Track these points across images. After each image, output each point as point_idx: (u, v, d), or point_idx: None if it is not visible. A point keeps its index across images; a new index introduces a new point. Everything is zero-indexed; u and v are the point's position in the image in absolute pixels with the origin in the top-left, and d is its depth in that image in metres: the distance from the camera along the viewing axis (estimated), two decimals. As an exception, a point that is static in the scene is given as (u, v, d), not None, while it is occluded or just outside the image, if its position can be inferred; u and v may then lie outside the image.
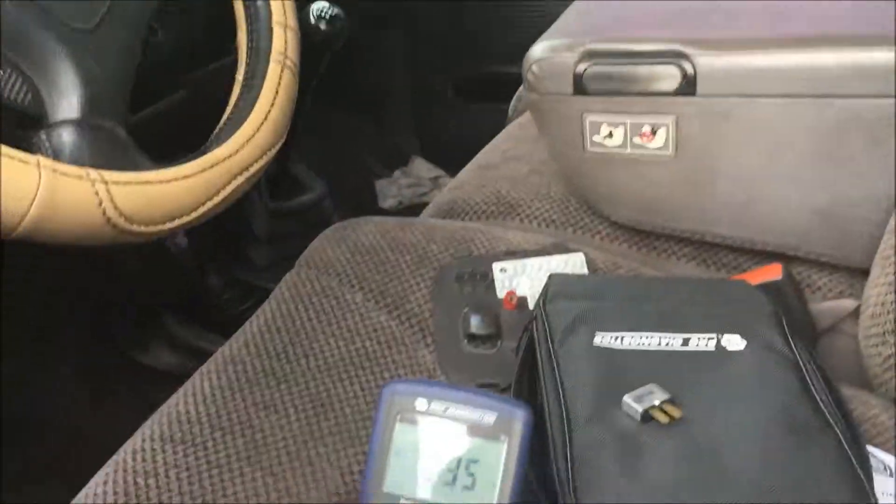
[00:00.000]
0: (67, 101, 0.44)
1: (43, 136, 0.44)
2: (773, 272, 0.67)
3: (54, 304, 1.07)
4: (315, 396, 0.62)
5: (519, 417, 0.43)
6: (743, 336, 0.57)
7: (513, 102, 1.12)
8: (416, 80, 1.67)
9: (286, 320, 0.68)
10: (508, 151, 0.91)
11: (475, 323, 0.67)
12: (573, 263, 0.71)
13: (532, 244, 0.74)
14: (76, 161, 0.43)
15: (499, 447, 0.43)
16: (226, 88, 0.64)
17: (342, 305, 0.69)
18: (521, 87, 1.11)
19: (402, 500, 0.42)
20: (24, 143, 0.43)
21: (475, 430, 0.43)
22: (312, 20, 0.82)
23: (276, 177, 1.08)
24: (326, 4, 0.83)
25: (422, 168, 1.73)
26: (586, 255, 0.72)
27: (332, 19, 0.83)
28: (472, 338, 0.67)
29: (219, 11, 0.69)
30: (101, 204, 0.43)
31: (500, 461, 0.42)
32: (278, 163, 1.08)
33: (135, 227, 0.45)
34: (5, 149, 0.40)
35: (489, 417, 0.43)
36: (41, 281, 1.08)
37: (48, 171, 0.41)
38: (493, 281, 0.71)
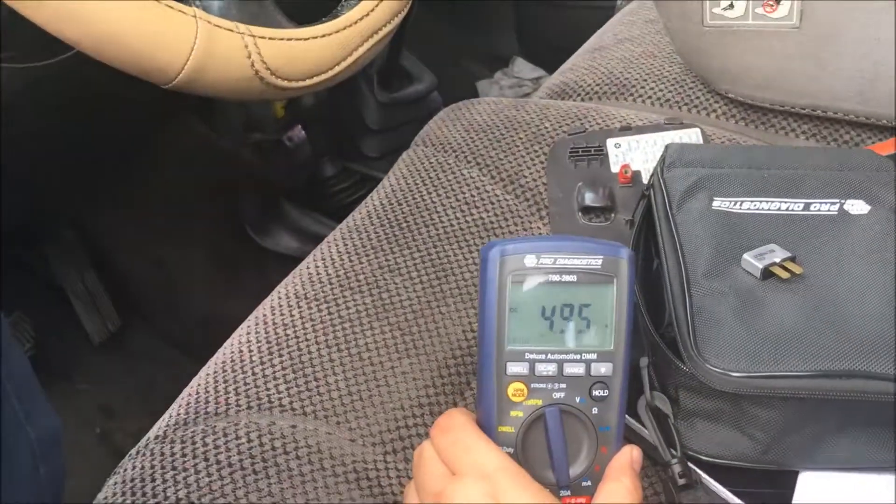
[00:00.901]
0: (214, -38, 0.47)
1: (194, -2, 0.47)
2: (900, 143, 0.66)
3: (188, 197, 1.14)
4: (436, 262, 0.65)
5: (623, 256, 0.44)
6: (867, 201, 0.56)
7: (624, -11, 1.10)
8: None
9: (405, 193, 0.71)
10: (620, 34, 0.90)
11: (589, 196, 0.69)
12: (689, 138, 0.71)
13: (646, 121, 0.74)
14: (225, 17, 0.46)
15: (608, 288, 0.44)
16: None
17: (459, 180, 0.72)
18: (631, -26, 1.09)
19: (527, 355, 0.44)
20: (179, 1, 0.45)
21: (584, 276, 0.44)
22: None
23: (386, 70, 1.10)
24: None
25: (523, 68, 1.72)
26: (702, 130, 0.71)
27: None
28: (587, 210, 0.69)
29: None
30: (249, 56, 0.46)
31: (611, 301, 0.44)
32: (388, 56, 1.10)
33: (279, 82, 0.48)
34: (167, 0, 0.43)
35: (596, 262, 0.44)
36: (174, 174, 1.14)
37: (204, 22, 0.44)
38: (606, 156, 0.71)
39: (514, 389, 0.44)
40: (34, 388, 0.56)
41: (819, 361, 0.45)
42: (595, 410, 0.44)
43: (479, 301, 0.45)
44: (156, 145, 1.16)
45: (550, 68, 1.67)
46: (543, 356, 0.44)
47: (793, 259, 0.52)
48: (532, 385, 0.44)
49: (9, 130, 0.77)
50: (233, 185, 1.16)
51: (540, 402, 0.44)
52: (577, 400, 0.44)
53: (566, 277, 0.44)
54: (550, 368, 0.44)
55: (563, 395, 0.44)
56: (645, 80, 0.82)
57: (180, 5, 0.44)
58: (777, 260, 0.52)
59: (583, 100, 0.83)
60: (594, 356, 0.44)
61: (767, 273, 0.51)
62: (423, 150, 0.76)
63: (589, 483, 0.44)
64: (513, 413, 0.44)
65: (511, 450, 0.44)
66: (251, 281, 1.11)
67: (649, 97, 0.81)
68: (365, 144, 1.10)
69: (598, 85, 0.84)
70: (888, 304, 0.48)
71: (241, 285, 1.11)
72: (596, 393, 0.44)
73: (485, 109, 0.78)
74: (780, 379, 0.45)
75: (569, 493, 0.44)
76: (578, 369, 0.44)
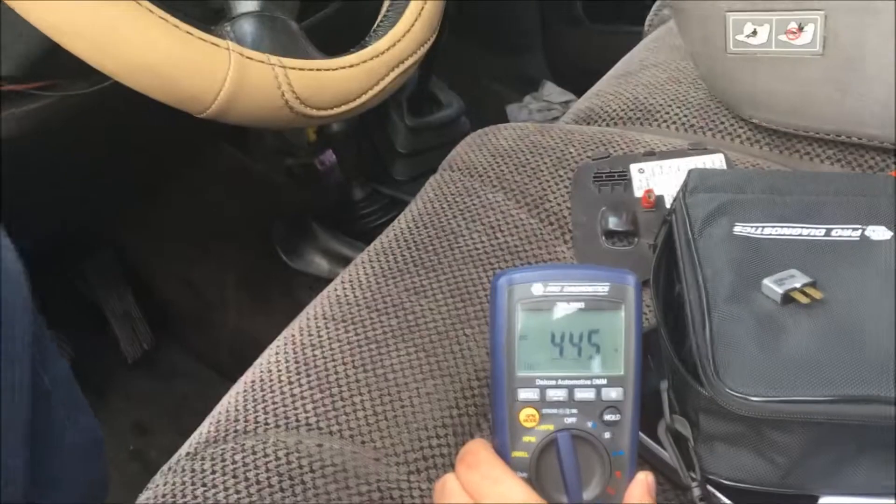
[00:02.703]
0: (248, -3, 0.49)
1: (227, 27, 0.49)
2: (924, 169, 0.66)
3: (220, 219, 1.17)
4: (461, 284, 0.66)
5: (630, 283, 0.44)
6: (889, 227, 0.57)
7: (649, 16, 1.11)
8: (546, 5, 1.66)
9: (432, 217, 0.73)
10: (646, 60, 0.91)
11: (613, 220, 0.70)
12: (712, 163, 0.72)
13: (670, 146, 0.75)
14: (257, 48, 0.48)
15: (616, 314, 0.44)
16: (371, 4, 0.68)
17: (484, 204, 0.73)
18: (658, 1, 1.10)
19: (537, 381, 0.45)
20: (212, 34, 0.48)
21: (592, 302, 0.45)
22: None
23: (415, 95, 1.12)
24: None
25: (552, 92, 1.73)
26: (726, 155, 0.72)
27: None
28: (610, 234, 0.70)
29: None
30: (280, 87, 0.48)
31: (619, 326, 0.45)
32: (418, 82, 1.12)
33: (308, 111, 0.49)
34: (200, 33, 0.45)
35: (603, 288, 0.45)
36: (208, 197, 1.17)
37: (237, 54, 0.46)
38: (630, 181, 0.72)
39: (526, 415, 0.45)
40: (77, 394, 0.58)
41: (837, 387, 0.46)
42: (607, 435, 0.44)
43: (490, 329, 0.46)
44: (191, 169, 1.19)
45: (579, 92, 1.69)
46: (554, 382, 0.45)
47: (813, 284, 0.52)
48: (543, 410, 0.45)
49: (51, 156, 0.80)
50: (264, 208, 1.18)
51: (552, 427, 0.45)
52: (589, 425, 0.45)
53: (574, 304, 0.45)
54: (561, 394, 0.45)
55: (574, 420, 0.44)
56: (669, 106, 0.83)
57: (214, 38, 0.46)
58: (797, 285, 0.52)
59: (608, 125, 0.84)
60: (604, 381, 0.44)
61: (788, 298, 0.52)
62: (450, 175, 0.77)
63: None
64: (525, 438, 0.45)
65: (525, 474, 0.44)
66: (281, 301, 1.13)
67: (674, 122, 0.81)
68: (394, 168, 1.12)
69: (623, 110, 0.85)
70: (907, 332, 0.48)
71: (270, 306, 1.14)
72: (607, 417, 0.45)
73: (510, 135, 0.80)
74: (799, 404, 0.46)
75: None
76: (589, 394, 0.45)
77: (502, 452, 0.44)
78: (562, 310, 0.45)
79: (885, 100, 0.69)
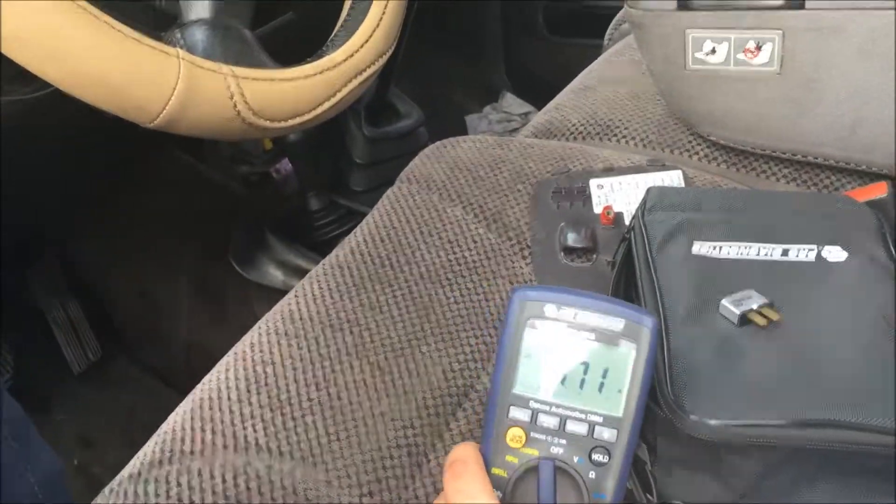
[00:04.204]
0: (200, 3, 0.48)
1: (178, 34, 0.47)
2: (878, 190, 0.66)
3: (173, 226, 1.14)
4: (418, 300, 0.65)
5: (647, 324, 0.43)
6: (844, 248, 0.57)
7: (609, 30, 1.11)
8: (508, 16, 1.66)
9: (389, 231, 0.71)
10: (605, 75, 0.91)
11: (572, 236, 0.69)
12: (670, 180, 0.71)
13: (629, 162, 0.75)
14: (209, 56, 0.46)
15: (627, 353, 0.43)
16: (332, 10, 0.67)
17: (442, 218, 0.72)
18: (618, 15, 1.10)
19: (531, 402, 0.44)
20: (161, 40, 0.46)
21: (603, 335, 0.43)
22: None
23: (373, 104, 1.10)
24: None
25: (512, 104, 1.73)
26: (684, 172, 0.72)
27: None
28: (569, 251, 0.69)
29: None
30: (232, 97, 0.46)
31: (627, 367, 0.43)
32: (376, 92, 1.11)
33: (261, 122, 0.48)
34: (149, 41, 0.43)
35: (617, 324, 0.43)
36: (161, 205, 1.15)
37: (187, 63, 0.44)
38: (589, 196, 0.72)
39: (513, 435, 0.43)
40: (30, 430, 0.55)
41: (794, 411, 0.45)
42: (592, 475, 0.43)
43: (499, 341, 0.45)
44: (143, 174, 1.16)
45: (539, 104, 1.69)
46: (548, 407, 0.43)
47: (770, 305, 0.52)
48: (531, 434, 0.43)
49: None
50: (219, 217, 1.16)
51: (536, 453, 0.43)
52: (576, 459, 0.43)
53: (584, 334, 0.43)
54: (552, 421, 0.43)
55: (561, 450, 0.43)
56: (629, 121, 0.83)
57: (163, 45, 0.44)
58: (755, 306, 0.52)
59: (567, 139, 0.84)
60: (600, 419, 0.43)
61: (745, 320, 0.52)
62: (408, 188, 0.76)
63: None
64: (508, 458, 0.43)
65: (500, 494, 0.43)
66: (235, 312, 1.10)
67: (632, 138, 0.81)
68: (352, 178, 1.10)
69: (582, 125, 0.84)
70: (863, 355, 0.48)
71: (224, 316, 1.11)
72: (596, 457, 0.43)
73: (469, 147, 0.79)
74: (757, 428, 0.45)
75: None
76: (581, 428, 0.43)
77: (486, 463, 0.43)
78: (571, 336, 0.43)
79: (840, 121, 0.70)
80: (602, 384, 0.43)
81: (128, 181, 1.17)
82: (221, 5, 0.48)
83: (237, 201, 1.17)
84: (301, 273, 1.05)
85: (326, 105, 0.51)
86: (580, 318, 0.44)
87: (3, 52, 0.41)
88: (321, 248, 1.07)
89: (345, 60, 0.52)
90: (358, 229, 0.74)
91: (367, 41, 0.53)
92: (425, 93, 1.57)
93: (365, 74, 0.53)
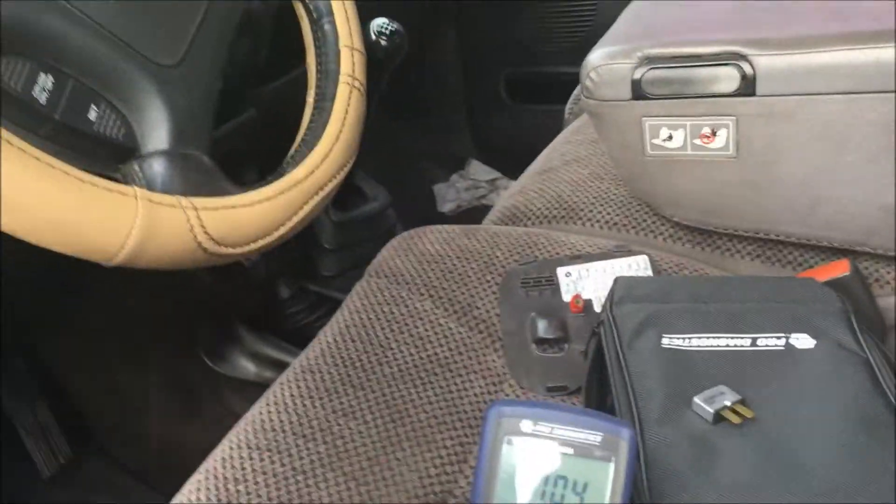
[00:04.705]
0: (157, 134, 0.48)
1: (136, 167, 0.47)
2: (840, 268, 0.67)
3: (141, 321, 1.13)
4: (391, 403, 0.64)
5: (624, 437, 0.43)
6: (812, 335, 0.57)
7: (569, 104, 1.13)
8: (470, 84, 1.69)
9: (359, 329, 0.71)
10: (567, 155, 0.92)
11: (542, 327, 0.69)
12: (637, 265, 0.72)
13: (595, 248, 0.75)
14: (168, 189, 0.46)
15: (606, 467, 0.43)
16: (292, 105, 0.67)
17: (412, 313, 0.72)
18: (576, 89, 1.12)
19: None
20: (119, 173, 0.46)
21: (581, 450, 0.43)
22: (373, 37, 0.85)
23: (340, 189, 1.11)
24: (385, 20, 0.86)
25: (479, 171, 1.75)
26: (650, 256, 0.73)
27: (392, 35, 0.86)
28: (540, 342, 0.69)
29: (285, 31, 0.72)
30: (192, 230, 0.46)
31: (607, 482, 0.43)
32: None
33: (223, 250, 0.48)
34: (106, 182, 0.43)
35: (595, 438, 0.43)
36: (129, 300, 1.13)
37: (145, 201, 0.44)
38: (558, 285, 0.72)
39: None
40: None
41: (773, 514, 0.45)
42: None
43: (477, 455, 0.45)
44: (109, 270, 1.14)
45: (505, 169, 1.71)
46: None
47: (743, 402, 0.52)
48: None
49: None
50: (187, 309, 1.15)
51: None
52: None
53: (563, 449, 0.43)
54: None
55: None
56: (593, 204, 0.84)
57: (120, 186, 0.44)
58: (728, 403, 0.52)
59: (533, 224, 0.85)
60: None
61: (719, 417, 0.52)
62: (377, 283, 0.76)
63: None
64: None
65: None
66: (208, 406, 1.08)
67: (598, 221, 0.82)
68: (321, 264, 1.10)
69: (547, 209, 0.85)
70: (837, 452, 0.49)
71: (197, 411, 1.09)
72: None
73: (436, 238, 0.79)
74: (737, 536, 0.45)
75: None
76: None
77: None
78: (548, 451, 0.43)
79: (799, 200, 0.71)
80: (582, 499, 0.43)
81: (94, 275, 1.16)
82: (178, 135, 0.48)
83: (205, 291, 1.16)
84: (274, 364, 1.04)
85: (288, 225, 0.51)
86: (557, 432, 0.44)
87: None
88: (293, 338, 1.06)
89: (306, 178, 0.52)
90: (328, 328, 0.73)
91: (326, 156, 0.54)
92: (392, 165, 1.58)
93: (326, 190, 0.53)
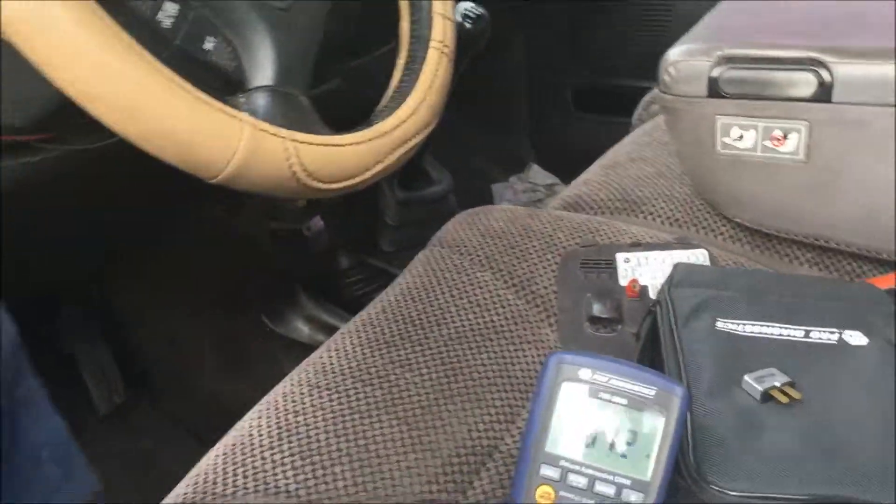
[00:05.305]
0: (264, 70, 0.51)
1: (242, 99, 0.51)
2: (897, 279, 0.68)
3: (204, 277, 1.17)
4: (446, 360, 0.67)
5: (677, 394, 0.45)
6: (865, 332, 0.59)
7: (639, 109, 1.15)
8: (537, 89, 1.71)
9: (420, 291, 0.74)
10: (633, 153, 0.94)
11: (597, 307, 0.71)
12: (696, 258, 0.74)
13: (655, 239, 0.77)
14: (269, 121, 0.50)
15: (656, 421, 0.45)
16: (374, 84, 0.70)
17: (472, 282, 0.74)
18: (647, 96, 1.14)
19: (562, 461, 0.46)
20: (227, 102, 0.49)
21: (635, 402, 0.46)
22: (458, 18, 0.88)
23: (408, 169, 1.14)
24: (472, 5, 0.89)
25: (538, 175, 1.77)
26: (709, 252, 0.74)
27: (478, 19, 0.89)
28: (594, 321, 0.71)
29: (372, 12, 0.75)
30: (289, 160, 0.49)
31: (656, 434, 0.45)
32: (412, 158, 1.15)
33: (314, 184, 0.51)
34: (219, 104, 0.47)
35: (649, 391, 0.46)
36: (194, 257, 1.18)
37: (251, 126, 0.47)
38: (616, 269, 0.74)
39: (543, 492, 0.45)
40: (72, 450, 0.58)
41: (814, 486, 0.47)
42: None
43: (532, 400, 0.47)
44: (179, 227, 1.19)
45: (564, 176, 1.73)
46: (578, 467, 0.45)
47: (792, 384, 0.54)
48: (560, 492, 0.45)
49: (41, 210, 0.80)
50: (249, 271, 1.19)
51: None
52: None
53: (616, 399, 0.46)
54: (582, 481, 0.45)
55: None
56: (655, 199, 0.86)
57: (230, 109, 0.47)
58: (777, 384, 0.54)
59: (595, 213, 0.87)
60: (628, 482, 0.45)
61: (767, 396, 0.53)
62: (440, 251, 0.79)
63: None
64: None
65: None
66: (260, 365, 1.12)
67: (659, 216, 0.84)
68: (382, 239, 1.13)
69: (610, 200, 0.87)
70: (883, 435, 0.50)
71: (249, 369, 1.13)
72: None
73: (501, 216, 0.82)
74: (775, 501, 0.47)
75: None
76: (609, 490, 0.45)
77: None
78: (603, 400, 0.46)
79: (862, 210, 0.72)
80: (631, 448, 0.46)
81: (164, 231, 1.21)
82: (282, 74, 0.52)
83: (268, 256, 1.20)
84: (328, 329, 1.07)
85: (375, 170, 0.54)
86: (613, 383, 0.46)
87: (89, 110, 0.44)
88: (350, 306, 1.09)
89: (392, 130, 0.55)
90: (390, 288, 0.76)
91: (413, 114, 0.57)
92: (454, 160, 1.61)
93: (409, 144, 0.56)
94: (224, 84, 0.51)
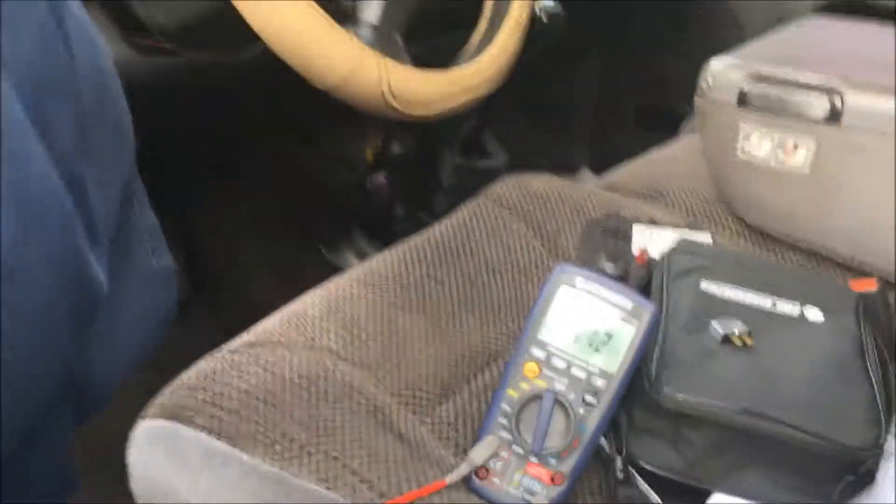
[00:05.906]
0: (372, 10, 0.65)
1: (352, 29, 0.64)
2: (868, 284, 0.79)
3: (275, 210, 1.32)
4: (474, 282, 0.80)
5: (648, 309, 0.58)
6: (822, 311, 0.70)
7: (684, 129, 1.27)
8: (601, 101, 1.82)
9: (461, 229, 0.87)
10: (670, 155, 1.06)
11: (609, 265, 0.83)
12: (700, 240, 0.85)
13: (670, 220, 0.89)
14: (369, 45, 0.63)
15: (629, 327, 0.58)
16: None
17: (506, 228, 0.87)
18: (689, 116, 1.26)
19: (549, 346, 0.59)
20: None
21: (616, 309, 0.58)
22: (536, 11, 1.01)
23: (468, 139, 1.28)
24: (553, 2, 1.01)
25: (588, 180, 1.88)
26: (713, 237, 0.86)
27: (554, 15, 1.01)
28: (604, 275, 0.83)
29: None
30: (380, 80, 0.63)
31: (627, 337, 0.58)
32: (473, 129, 1.28)
33: (396, 105, 0.65)
34: (339, 27, 0.60)
35: (627, 304, 0.58)
36: (271, 192, 1.33)
37: (357, 47, 0.61)
38: (630, 238, 0.86)
39: (530, 367, 0.58)
40: (159, 231, 0.66)
41: (746, 401, 0.59)
42: (581, 411, 0.58)
43: (536, 299, 0.60)
44: (257, 158, 1.34)
45: (613, 186, 1.84)
46: (560, 353, 0.58)
47: (749, 334, 0.66)
48: (544, 370, 0.58)
49: (160, 113, 0.95)
50: (312, 207, 1.33)
51: (544, 385, 0.58)
52: (571, 396, 0.58)
53: (601, 305, 0.59)
54: (561, 364, 0.58)
55: (563, 387, 0.58)
56: (679, 194, 0.97)
57: (344, 30, 0.61)
58: (736, 331, 0.65)
59: (625, 196, 0.99)
60: (597, 371, 0.58)
61: (726, 339, 0.65)
62: (484, 202, 0.92)
63: (553, 461, 0.58)
64: (522, 384, 0.58)
65: (510, 409, 0.58)
66: (311, 287, 1.26)
67: (679, 206, 0.96)
68: (435, 200, 1.27)
69: (639, 188, 0.99)
70: (810, 384, 0.61)
71: (302, 289, 1.27)
72: (587, 398, 0.58)
73: (543, 182, 0.94)
74: (712, 407, 0.59)
75: (535, 460, 0.58)
76: (581, 374, 0.58)
77: (502, 384, 0.58)
78: (591, 304, 0.59)
79: (855, 223, 0.83)
80: (606, 346, 0.58)
81: (244, 164, 1.36)
82: (387, 15, 0.65)
83: (332, 197, 1.34)
84: (375, 264, 1.21)
85: (448, 105, 0.68)
86: (601, 292, 0.59)
87: (257, 30, 0.58)
88: (398, 249, 1.23)
89: (472, 75, 0.68)
90: (436, 224, 0.89)
91: (488, 67, 0.70)
92: (509, 150, 1.73)
93: (480, 91, 0.70)
94: (337, 15, 0.65)
